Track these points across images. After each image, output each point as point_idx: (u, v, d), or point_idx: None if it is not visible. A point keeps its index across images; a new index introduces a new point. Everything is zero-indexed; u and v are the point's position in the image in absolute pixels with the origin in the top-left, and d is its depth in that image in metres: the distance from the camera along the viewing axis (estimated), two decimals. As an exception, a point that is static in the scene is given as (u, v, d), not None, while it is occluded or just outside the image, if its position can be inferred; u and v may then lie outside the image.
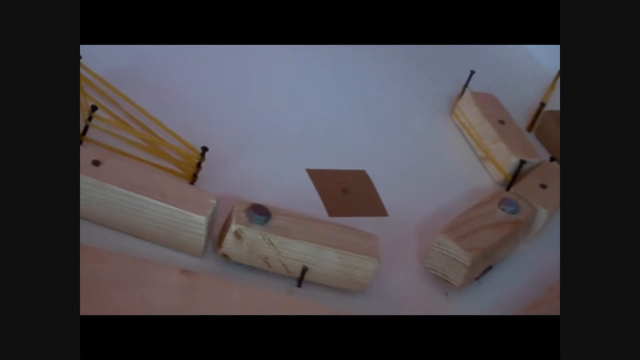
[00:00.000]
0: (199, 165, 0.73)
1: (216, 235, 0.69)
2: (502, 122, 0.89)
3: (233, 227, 0.66)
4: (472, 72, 0.94)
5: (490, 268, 0.74)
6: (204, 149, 0.72)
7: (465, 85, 0.94)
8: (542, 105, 0.95)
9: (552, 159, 0.88)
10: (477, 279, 0.74)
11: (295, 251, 0.67)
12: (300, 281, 0.68)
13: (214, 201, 0.67)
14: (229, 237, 0.66)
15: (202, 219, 0.65)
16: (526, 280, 0.77)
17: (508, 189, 0.82)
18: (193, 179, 0.73)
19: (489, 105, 0.91)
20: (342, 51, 0.99)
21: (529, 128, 0.96)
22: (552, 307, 0.70)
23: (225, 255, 0.67)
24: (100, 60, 0.79)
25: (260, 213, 0.67)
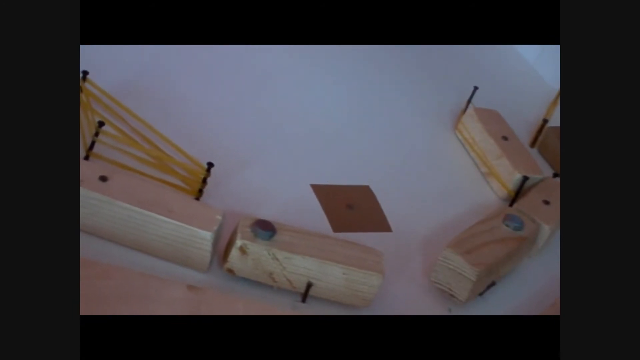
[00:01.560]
0: (204, 181, 0.73)
1: (221, 250, 0.69)
2: (505, 138, 0.89)
3: (238, 242, 0.66)
4: (476, 88, 0.94)
5: (493, 284, 0.74)
6: (210, 165, 0.73)
7: (469, 101, 0.94)
8: (545, 121, 0.96)
9: (555, 175, 0.89)
10: (481, 294, 0.74)
11: (300, 266, 0.67)
12: (304, 296, 0.68)
13: (219, 217, 0.67)
14: (234, 252, 0.67)
15: (208, 235, 0.66)
16: (529, 295, 0.77)
17: (511, 205, 0.83)
18: (199, 194, 0.73)
19: (493, 121, 0.92)
20: (348, 62, 1.00)
21: (532, 144, 0.97)
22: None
23: (230, 271, 0.68)
24: (106, 73, 0.80)
25: (265, 228, 0.67)
